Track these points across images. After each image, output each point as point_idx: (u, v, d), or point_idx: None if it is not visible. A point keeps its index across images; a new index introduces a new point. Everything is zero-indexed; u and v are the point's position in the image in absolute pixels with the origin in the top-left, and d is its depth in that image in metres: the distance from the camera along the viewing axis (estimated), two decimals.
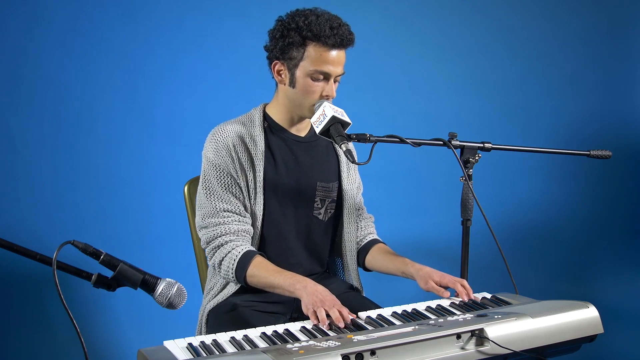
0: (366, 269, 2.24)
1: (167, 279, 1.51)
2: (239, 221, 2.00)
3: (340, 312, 1.73)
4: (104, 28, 2.92)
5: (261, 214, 2.03)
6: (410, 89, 3.50)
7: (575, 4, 3.74)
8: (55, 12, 2.84)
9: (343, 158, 2.18)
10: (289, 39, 1.94)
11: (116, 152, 2.97)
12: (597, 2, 3.79)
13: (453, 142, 1.96)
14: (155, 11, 3.00)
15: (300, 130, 2.12)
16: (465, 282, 1.95)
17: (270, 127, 2.08)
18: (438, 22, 3.54)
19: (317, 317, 1.75)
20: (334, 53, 1.94)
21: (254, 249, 2.00)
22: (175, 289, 1.50)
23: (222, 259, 1.97)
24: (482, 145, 2.00)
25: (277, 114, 2.08)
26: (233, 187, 2.01)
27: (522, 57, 3.68)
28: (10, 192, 2.84)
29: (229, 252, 1.96)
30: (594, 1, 3.78)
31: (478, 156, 1.98)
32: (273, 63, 2.01)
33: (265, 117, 2.09)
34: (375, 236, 2.27)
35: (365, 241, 2.23)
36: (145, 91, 3.00)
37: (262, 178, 2.02)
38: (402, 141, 1.91)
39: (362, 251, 2.22)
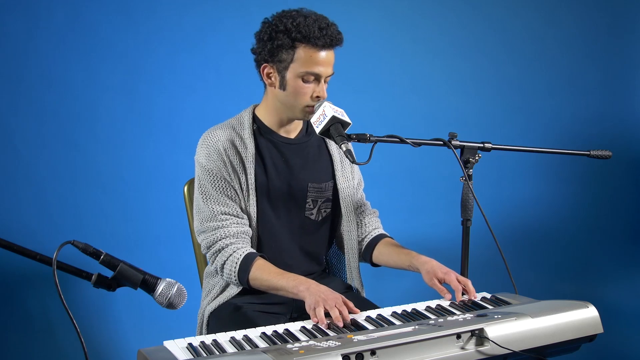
0: (374, 265, 2.22)
1: (167, 279, 1.51)
2: (237, 223, 2.01)
3: (340, 312, 1.74)
4: (104, 28, 2.92)
5: (255, 216, 2.03)
6: (410, 89, 3.50)
7: (575, 4, 3.74)
8: (55, 12, 2.84)
9: (337, 157, 2.17)
10: (277, 41, 1.93)
11: (116, 152, 2.97)
12: (597, 2, 3.79)
13: (453, 142, 1.96)
14: (155, 11, 3.00)
15: (290, 132, 2.11)
16: (469, 283, 1.93)
17: (259, 129, 2.08)
18: (438, 22, 3.54)
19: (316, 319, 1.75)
20: (323, 54, 1.94)
21: (254, 251, 2.01)
22: (175, 289, 1.50)
23: (224, 262, 1.98)
24: (482, 145, 2.00)
25: (267, 116, 2.08)
26: (228, 190, 2.01)
27: (522, 57, 3.68)
28: (10, 192, 2.84)
29: (231, 255, 1.97)
30: (594, 1, 3.78)
31: (478, 156, 1.98)
32: (262, 66, 2.01)
33: (255, 120, 2.09)
34: (381, 231, 2.24)
35: (372, 237, 2.21)
36: (145, 91, 3.00)
37: (253, 181, 2.02)
38: (402, 141, 1.91)
39: (369, 247, 2.20)
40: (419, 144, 1.94)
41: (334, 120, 1.88)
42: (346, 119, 1.90)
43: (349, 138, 1.88)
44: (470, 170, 1.98)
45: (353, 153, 1.90)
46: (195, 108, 3.07)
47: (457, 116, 3.54)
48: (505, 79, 3.66)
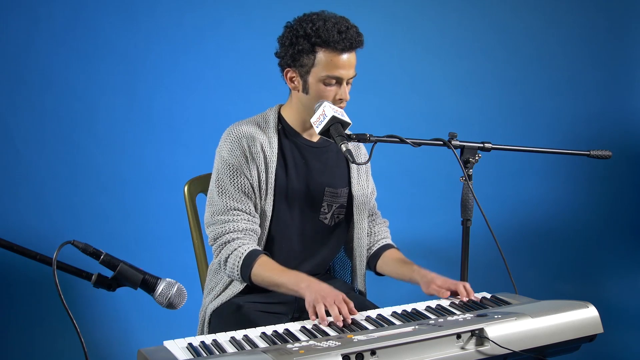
0: (378, 274, 2.25)
1: (167, 279, 1.51)
2: (248, 220, 2.01)
3: (340, 310, 1.74)
4: (104, 28, 2.92)
5: (270, 215, 2.04)
6: (410, 89, 3.50)
7: (575, 4, 3.74)
8: (56, 12, 2.84)
9: (354, 164, 2.18)
10: (298, 46, 1.95)
11: (116, 152, 2.97)
12: (597, 2, 3.79)
13: (453, 142, 1.96)
14: (155, 11, 3.00)
15: (313, 136, 2.12)
16: (467, 284, 1.95)
17: (284, 129, 2.09)
18: (438, 22, 3.54)
19: (316, 314, 1.75)
20: (344, 57, 1.95)
21: (259, 248, 2.01)
22: (175, 289, 1.50)
23: (228, 256, 1.98)
24: (482, 145, 2.00)
25: (291, 118, 2.09)
26: (245, 187, 2.02)
27: (522, 57, 3.67)
28: (10, 192, 2.84)
29: (235, 249, 1.97)
30: (594, 1, 3.78)
31: (478, 156, 1.98)
32: (285, 70, 2.02)
33: (280, 120, 2.10)
34: (389, 241, 2.26)
35: (378, 246, 2.23)
36: (145, 91, 3.00)
37: (273, 180, 2.03)
38: (402, 141, 1.91)
39: (374, 256, 2.22)
40: (419, 144, 1.94)
41: (334, 120, 1.88)
42: (346, 119, 1.90)
43: (349, 138, 1.88)
44: (470, 170, 1.98)
45: (353, 153, 1.90)
46: (195, 108, 3.07)
47: (457, 116, 3.54)
48: (505, 79, 3.66)
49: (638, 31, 3.86)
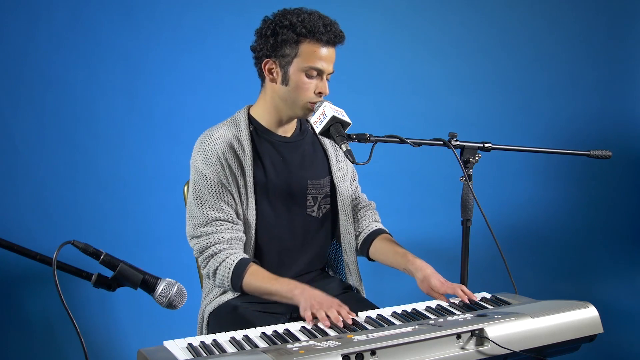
0: (370, 259, 2.22)
1: (167, 279, 1.51)
2: (232, 229, 2.00)
3: (339, 312, 1.74)
4: (104, 28, 2.92)
5: (254, 218, 2.02)
6: (410, 89, 3.50)
7: (575, 4, 3.74)
8: (55, 12, 2.84)
9: (331, 153, 2.18)
10: (282, 36, 1.94)
11: (116, 152, 2.97)
12: (597, 2, 3.79)
13: (453, 142, 1.96)
14: (155, 11, 2.99)
15: (287, 131, 2.11)
16: (464, 288, 1.94)
17: (255, 129, 2.07)
18: (438, 22, 3.54)
19: (312, 319, 1.75)
20: (326, 50, 1.96)
21: (247, 257, 2.00)
22: (175, 289, 1.50)
23: (217, 268, 1.97)
24: (482, 145, 2.00)
25: (264, 116, 2.07)
26: (225, 195, 2.00)
27: (522, 57, 3.68)
28: (10, 192, 2.84)
29: (223, 260, 1.96)
30: (594, 1, 3.78)
31: (478, 156, 1.98)
32: (264, 62, 2.00)
33: (250, 120, 2.09)
34: (379, 225, 2.24)
35: (368, 232, 2.20)
36: (145, 91, 3.00)
37: (252, 182, 2.01)
38: (402, 141, 1.91)
39: (365, 242, 2.19)
40: (419, 144, 1.94)
41: (334, 120, 1.88)
42: (346, 119, 1.91)
43: (349, 138, 1.88)
44: (470, 170, 1.98)
45: (352, 153, 1.90)
46: (195, 108, 3.07)
47: (457, 116, 3.54)
48: (505, 79, 3.66)
49: (638, 31, 3.86)
